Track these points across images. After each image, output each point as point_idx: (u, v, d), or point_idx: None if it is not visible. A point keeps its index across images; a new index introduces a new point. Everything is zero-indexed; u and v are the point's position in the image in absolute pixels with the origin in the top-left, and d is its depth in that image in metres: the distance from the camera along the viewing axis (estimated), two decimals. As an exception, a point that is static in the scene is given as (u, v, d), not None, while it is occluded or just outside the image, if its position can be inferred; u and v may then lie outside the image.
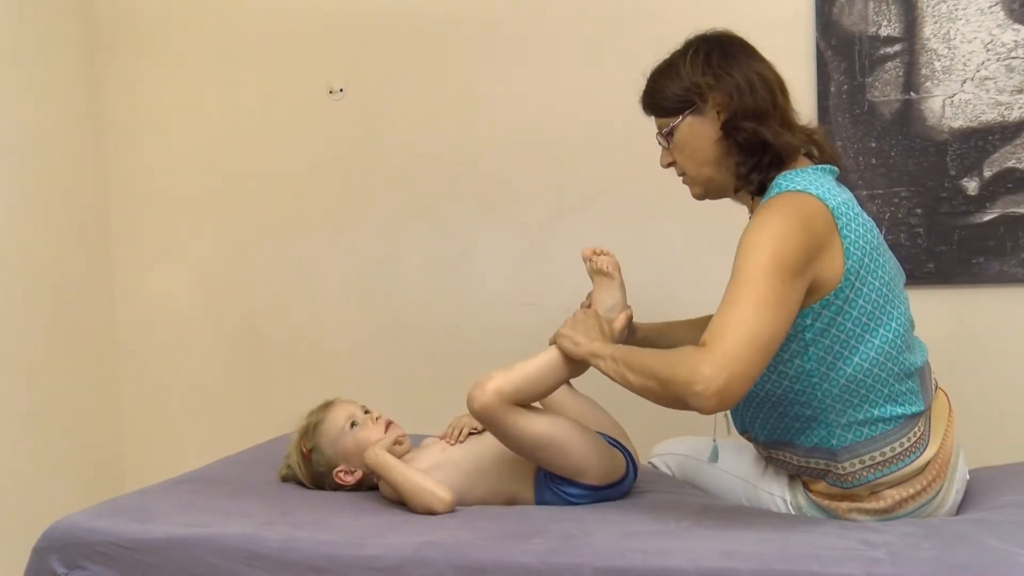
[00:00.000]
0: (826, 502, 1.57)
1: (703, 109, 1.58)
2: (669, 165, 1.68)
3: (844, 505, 1.55)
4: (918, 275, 2.22)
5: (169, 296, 2.87)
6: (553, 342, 1.65)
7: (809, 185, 1.50)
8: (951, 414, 1.61)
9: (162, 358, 2.89)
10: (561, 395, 1.79)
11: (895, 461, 1.51)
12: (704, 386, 1.34)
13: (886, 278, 1.52)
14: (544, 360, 1.63)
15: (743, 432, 1.69)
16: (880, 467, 1.51)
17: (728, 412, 1.70)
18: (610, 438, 1.75)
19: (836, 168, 1.61)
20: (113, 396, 2.91)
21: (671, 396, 1.40)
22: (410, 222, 2.64)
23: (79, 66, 2.82)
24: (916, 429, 1.52)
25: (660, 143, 1.67)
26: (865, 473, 1.52)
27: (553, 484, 1.67)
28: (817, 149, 1.61)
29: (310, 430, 1.84)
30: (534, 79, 2.51)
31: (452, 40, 2.57)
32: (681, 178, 1.68)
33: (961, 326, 2.22)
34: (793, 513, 1.62)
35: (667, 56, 1.64)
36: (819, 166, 1.58)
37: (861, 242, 1.48)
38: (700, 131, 1.59)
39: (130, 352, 2.92)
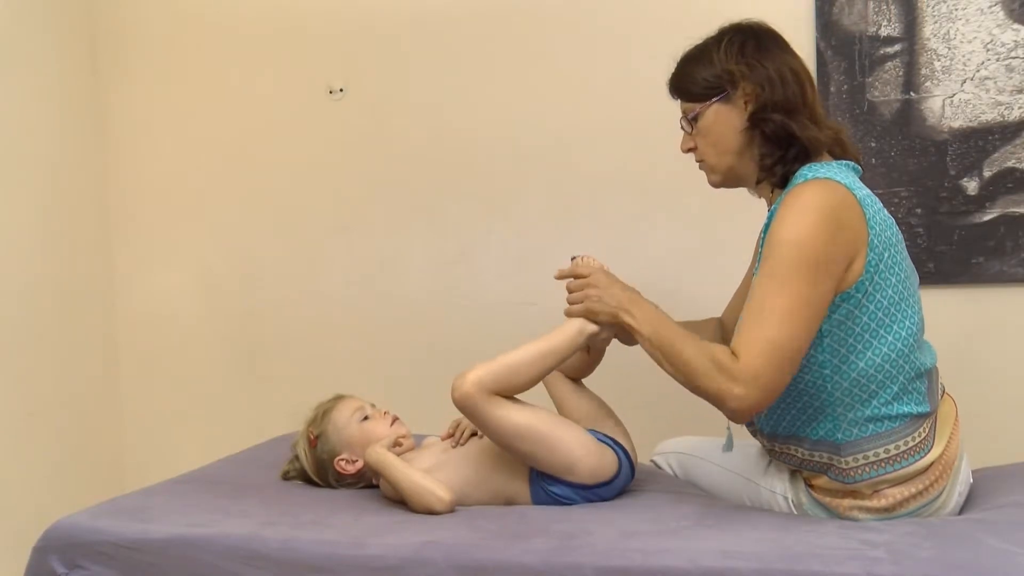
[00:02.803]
0: (827, 499, 1.57)
1: (732, 97, 1.58)
2: (689, 151, 1.67)
3: (845, 503, 1.55)
4: (918, 275, 2.21)
5: (169, 296, 2.87)
6: (570, 313, 1.65)
7: (835, 174, 1.50)
8: (957, 419, 1.61)
9: (162, 358, 2.89)
10: (565, 390, 1.79)
11: (897, 460, 1.51)
12: (737, 403, 1.44)
13: (902, 275, 1.52)
14: (526, 350, 1.62)
15: (748, 424, 1.68)
16: (882, 464, 1.51)
17: None
18: (601, 435, 1.72)
19: (859, 167, 1.61)
20: (113, 396, 2.91)
21: (704, 398, 1.49)
22: (410, 222, 2.64)
23: (79, 66, 2.82)
24: (920, 430, 1.52)
25: (683, 128, 1.66)
26: (867, 469, 1.51)
27: (543, 483, 1.66)
28: (840, 147, 1.62)
29: (319, 417, 1.87)
30: (534, 79, 2.51)
31: (452, 40, 2.57)
32: (699, 164, 1.68)
33: (961, 326, 2.22)
34: (794, 510, 1.62)
35: (699, 42, 1.64)
36: (842, 161, 1.58)
37: (883, 236, 1.49)
38: (726, 119, 1.60)
39: (130, 352, 2.92)
